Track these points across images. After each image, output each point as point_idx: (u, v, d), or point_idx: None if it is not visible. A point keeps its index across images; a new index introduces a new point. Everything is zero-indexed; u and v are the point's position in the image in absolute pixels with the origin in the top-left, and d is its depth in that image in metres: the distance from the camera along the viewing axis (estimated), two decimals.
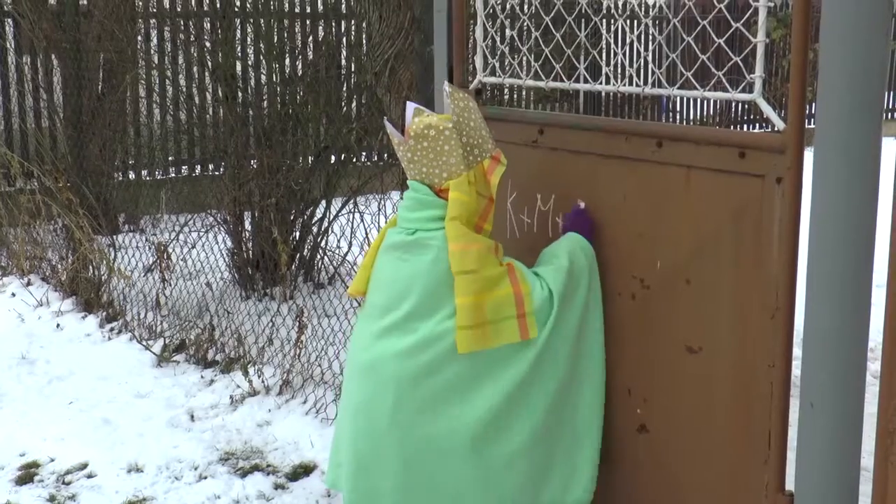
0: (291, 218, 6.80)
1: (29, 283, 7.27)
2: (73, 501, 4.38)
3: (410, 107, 3.30)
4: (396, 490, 3.19)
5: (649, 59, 3.82)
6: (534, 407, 3.28)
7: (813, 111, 2.92)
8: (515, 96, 10.39)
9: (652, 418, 3.47)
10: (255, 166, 6.77)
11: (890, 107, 15.41)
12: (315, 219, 6.95)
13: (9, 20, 8.96)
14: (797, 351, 3.05)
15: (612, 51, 3.83)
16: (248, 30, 7.46)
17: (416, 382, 3.17)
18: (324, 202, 6.90)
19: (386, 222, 3.55)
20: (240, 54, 7.36)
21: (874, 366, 2.88)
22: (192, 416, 5.15)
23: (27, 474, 4.63)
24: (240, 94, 7.18)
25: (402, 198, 3.42)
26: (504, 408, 3.23)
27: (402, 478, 3.18)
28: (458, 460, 3.21)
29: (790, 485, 3.10)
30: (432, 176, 3.24)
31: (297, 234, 6.88)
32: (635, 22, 13.71)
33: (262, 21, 7.38)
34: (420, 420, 3.18)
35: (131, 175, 9.12)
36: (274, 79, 7.29)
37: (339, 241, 6.40)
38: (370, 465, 3.22)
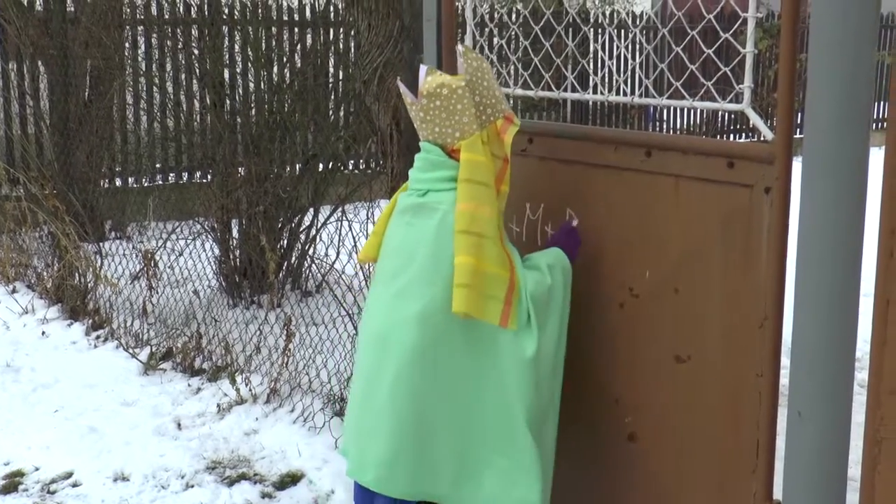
0: (279, 226, 6.81)
1: (14, 291, 7.26)
2: None
3: (423, 68, 3.27)
4: (388, 460, 3.17)
5: (637, 68, 3.84)
6: (518, 406, 3.23)
7: (801, 121, 2.94)
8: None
9: (641, 427, 3.47)
10: (242, 174, 6.79)
11: (877, 117, 15.48)
12: (303, 227, 6.97)
13: None
14: (785, 360, 3.07)
15: (600, 60, 3.85)
16: (237, 37, 7.49)
17: (421, 355, 3.14)
18: (312, 210, 6.92)
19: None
20: (228, 62, 7.38)
21: (861, 375, 2.89)
22: (179, 425, 5.15)
23: (11, 483, 4.63)
24: (228, 101, 7.19)
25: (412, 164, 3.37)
26: (496, 396, 3.22)
27: (393, 446, 3.16)
28: (446, 434, 3.21)
29: (777, 494, 3.12)
30: (444, 136, 3.20)
31: (285, 242, 6.89)
32: (623, 32, 13.78)
33: (250, 29, 7.41)
34: (418, 390, 3.16)
35: (118, 182, 9.13)
36: (262, 86, 7.31)
37: (327, 249, 6.39)
38: (369, 434, 3.21)
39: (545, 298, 3.26)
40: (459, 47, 3.31)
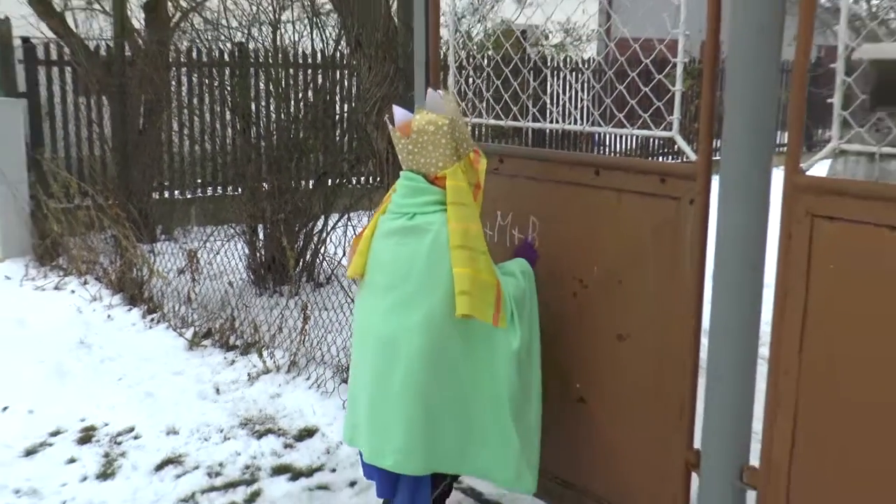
0: (297, 230, 6.80)
1: (85, 283, 7.25)
2: (123, 458, 4.38)
3: (398, 111, 3.19)
4: (404, 444, 3.11)
5: (587, 103, 3.85)
6: (515, 385, 3.22)
7: (718, 146, 2.97)
8: (477, 132, 10.43)
9: (589, 392, 3.50)
10: (267, 188, 6.78)
11: (778, 143, 15.50)
12: (316, 230, 6.96)
13: (68, 68, 8.93)
14: (704, 339, 3.11)
15: (557, 96, 3.87)
16: (261, 77, 7.48)
17: (427, 355, 3.07)
18: (323, 217, 6.92)
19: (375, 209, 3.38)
20: (254, 96, 7.37)
21: (763, 350, 2.93)
22: (218, 390, 5.17)
23: (86, 435, 4.65)
24: (254, 129, 7.18)
25: (395, 186, 3.27)
26: (490, 385, 3.20)
27: (408, 436, 3.10)
28: (450, 419, 3.15)
29: (697, 444, 3.16)
30: (429, 166, 3.10)
31: (301, 242, 6.88)
32: (576, 73, 13.71)
33: (272, 70, 7.40)
34: (425, 386, 3.10)
35: (167, 194, 9.10)
36: (282, 117, 7.30)
37: (335, 248, 6.40)
38: (384, 424, 3.14)
39: (521, 298, 3.25)
40: (440, 91, 3.27)
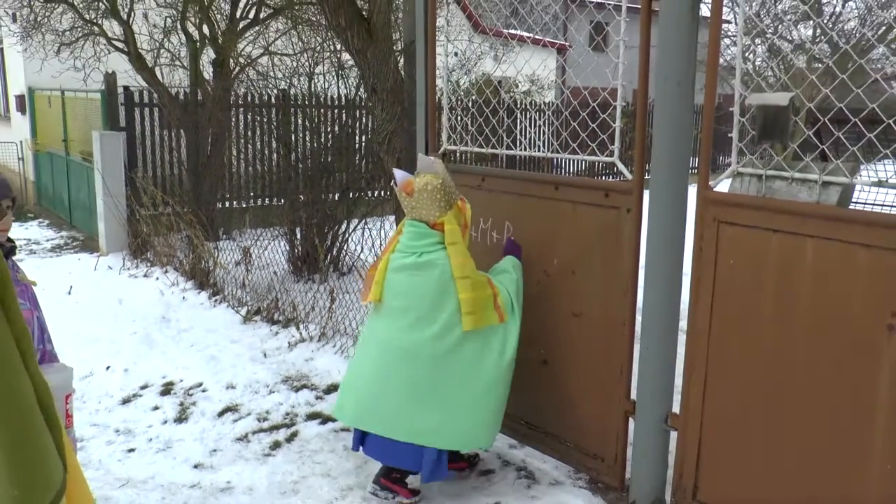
0: (325, 231, 6.78)
1: (166, 272, 7.22)
2: (194, 406, 4.36)
3: (399, 173, 3.22)
4: (436, 427, 3.09)
5: (548, 135, 3.84)
6: (511, 365, 3.22)
7: (648, 168, 2.96)
8: (464, 157, 10.41)
9: (551, 356, 3.50)
10: (303, 199, 6.76)
11: (692, 166, 15.55)
12: (340, 232, 6.94)
13: (156, 109, 8.93)
14: (638, 316, 3.11)
15: (524, 130, 3.85)
16: (299, 115, 7.46)
17: (445, 359, 3.09)
18: (346, 222, 6.90)
19: (384, 247, 3.39)
20: (293, 129, 7.35)
21: (683, 324, 2.92)
22: (265, 355, 5.13)
23: (166, 389, 4.62)
24: (293, 154, 7.16)
25: (399, 230, 3.28)
26: (500, 369, 3.18)
27: (440, 418, 3.09)
28: (472, 409, 3.13)
29: (634, 395, 3.16)
30: (429, 216, 3.12)
31: (329, 241, 6.86)
32: (540, 112, 13.68)
33: (307, 110, 7.39)
34: (448, 380, 3.10)
35: (227, 204, 9.07)
36: (314, 145, 7.28)
37: (356, 246, 6.40)
38: (418, 416, 3.09)
39: (516, 288, 3.27)
40: (432, 157, 3.27)
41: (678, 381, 3.00)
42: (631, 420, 3.19)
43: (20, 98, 12.95)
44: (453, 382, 3.11)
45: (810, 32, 13.12)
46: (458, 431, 3.14)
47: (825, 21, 12.21)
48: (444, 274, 3.08)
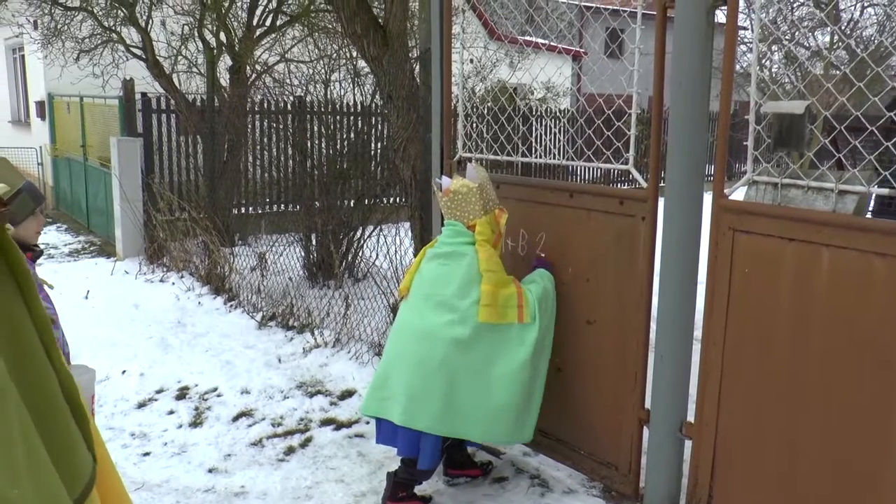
0: (341, 238, 6.79)
1: (182, 277, 7.26)
2: (209, 410, 4.39)
3: (445, 179, 3.32)
4: (438, 411, 3.08)
5: (564, 143, 3.84)
6: (526, 366, 3.17)
7: (663, 175, 2.96)
8: (479, 164, 10.29)
9: (565, 364, 3.48)
10: (318, 206, 6.78)
11: (707, 174, 15.48)
12: (355, 238, 6.96)
13: (173, 115, 9.00)
14: (652, 324, 3.10)
15: (540, 137, 3.86)
16: (315, 122, 7.50)
17: (458, 345, 3.09)
18: (361, 228, 6.91)
19: (423, 246, 3.46)
20: (309, 136, 7.38)
21: (697, 333, 2.91)
22: (280, 360, 5.15)
23: (182, 393, 4.65)
24: (309, 161, 7.18)
25: (440, 231, 3.39)
26: (511, 370, 3.15)
27: (443, 402, 3.08)
28: (474, 394, 3.12)
29: (648, 404, 3.15)
30: (464, 217, 3.22)
31: (344, 247, 6.88)
32: (555, 120, 13.65)
33: (323, 116, 7.42)
34: (459, 368, 3.10)
35: (243, 210, 9.12)
36: (330, 152, 7.30)
37: (370, 252, 6.41)
38: (420, 397, 3.10)
39: (543, 296, 3.25)
40: (473, 164, 3.33)
41: (693, 389, 2.99)
42: (645, 428, 3.17)
43: (40, 104, 13.10)
44: (463, 372, 3.10)
45: (827, 39, 13.05)
46: (456, 420, 3.12)
47: (843, 28, 12.13)
48: (471, 265, 3.15)
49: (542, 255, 3.51)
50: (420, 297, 3.25)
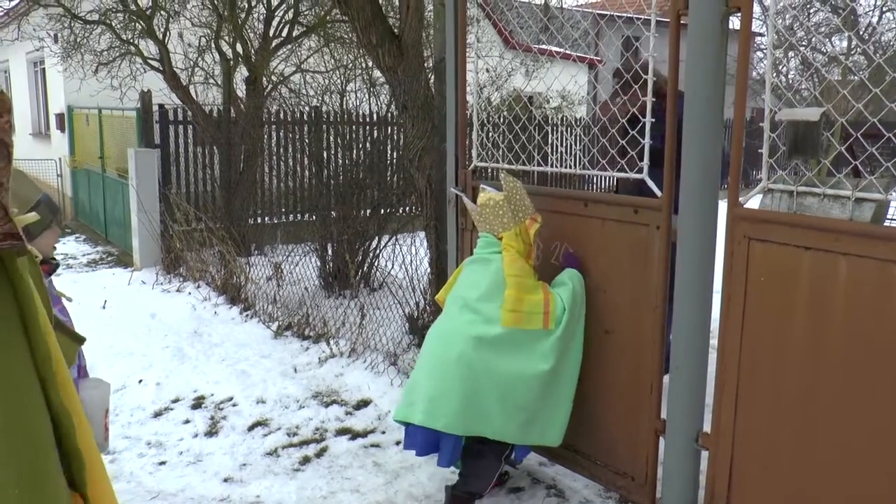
0: (356, 247, 6.81)
1: (199, 286, 7.30)
2: (224, 420, 4.41)
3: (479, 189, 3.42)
4: (457, 411, 3.09)
5: (578, 151, 3.83)
6: (546, 368, 3.17)
7: (678, 185, 2.94)
8: (494, 174, 10.29)
9: (582, 373, 3.40)
10: (334, 216, 6.81)
11: (722, 182, 15.31)
12: (371, 248, 6.98)
13: (190, 126, 9.08)
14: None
15: (555, 146, 3.84)
16: (331, 132, 7.53)
17: (478, 343, 3.11)
18: (377, 238, 6.93)
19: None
20: (325, 146, 7.42)
21: (714, 341, 2.89)
22: (296, 370, 5.16)
23: (198, 403, 4.68)
24: (325, 170, 7.21)
25: (475, 242, 3.47)
26: (530, 370, 3.15)
27: (462, 402, 3.09)
28: (494, 393, 3.11)
29: (664, 414, 3.13)
30: (494, 229, 3.29)
31: (360, 257, 6.89)
32: (570, 129, 13.63)
33: (339, 126, 7.45)
34: (480, 369, 3.10)
35: (259, 220, 9.17)
36: (346, 162, 7.33)
37: (386, 262, 6.42)
38: (439, 396, 3.11)
39: (571, 298, 3.24)
40: (502, 174, 3.34)
41: (709, 399, 2.96)
42: (661, 439, 3.15)
43: (60, 116, 13.28)
44: (484, 374, 3.10)
45: (845, 44, 12.95)
46: (474, 420, 3.11)
47: (861, 33, 12.05)
48: (498, 271, 3.22)
49: (571, 250, 3.48)
50: (450, 301, 3.37)
